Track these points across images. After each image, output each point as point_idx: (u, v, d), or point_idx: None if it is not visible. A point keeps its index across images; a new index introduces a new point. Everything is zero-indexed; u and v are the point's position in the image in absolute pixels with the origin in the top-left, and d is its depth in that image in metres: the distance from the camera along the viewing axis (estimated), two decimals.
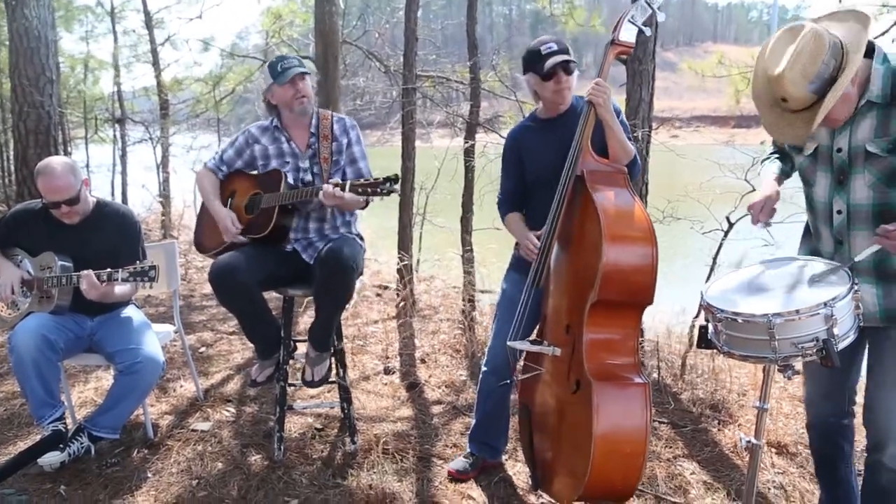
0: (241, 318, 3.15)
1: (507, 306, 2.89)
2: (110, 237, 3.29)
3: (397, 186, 2.81)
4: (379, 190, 2.77)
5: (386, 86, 8.88)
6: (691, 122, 59.36)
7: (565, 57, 2.69)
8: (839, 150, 2.09)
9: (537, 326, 2.81)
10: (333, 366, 3.29)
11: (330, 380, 3.25)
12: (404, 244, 5.85)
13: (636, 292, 2.40)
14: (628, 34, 2.63)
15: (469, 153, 5.05)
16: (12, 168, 10.04)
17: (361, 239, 3.34)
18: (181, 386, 4.13)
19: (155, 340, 3.26)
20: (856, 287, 1.93)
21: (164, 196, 10.33)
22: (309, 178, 3.20)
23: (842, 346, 1.88)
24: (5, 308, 3.34)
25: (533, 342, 2.62)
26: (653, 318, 4.93)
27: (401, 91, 5.75)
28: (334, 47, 7.91)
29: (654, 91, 4.10)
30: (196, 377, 3.97)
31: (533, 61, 2.75)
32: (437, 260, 7.28)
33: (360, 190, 2.79)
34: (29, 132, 8.56)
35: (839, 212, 2.14)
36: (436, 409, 3.83)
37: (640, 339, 4.20)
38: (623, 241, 2.38)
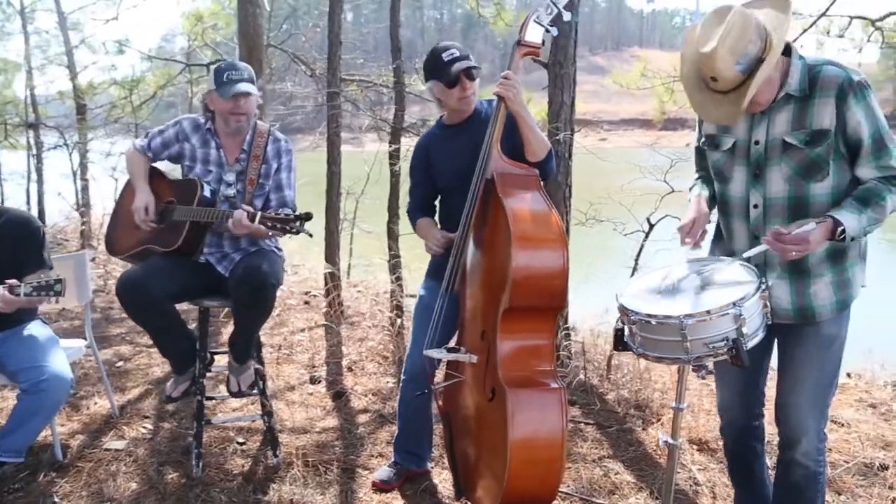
0: (153, 333, 3.03)
1: (423, 313, 2.86)
2: (10, 247, 3.10)
3: (307, 227, 2.73)
4: (289, 227, 2.69)
5: (314, 90, 8.74)
6: (619, 126, 60.92)
7: (468, 63, 2.69)
8: (756, 143, 2.13)
9: (456, 333, 2.79)
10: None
11: (254, 391, 3.16)
12: (331, 251, 5.77)
13: (548, 297, 2.39)
14: (534, 34, 2.63)
15: (394, 157, 5.01)
16: None
17: (279, 250, 3.25)
18: (95, 403, 3.95)
19: (62, 357, 3.09)
20: (763, 286, 1.97)
21: (84, 204, 9.93)
22: (232, 193, 3.09)
23: (750, 344, 1.92)
24: None
25: (450, 350, 2.59)
26: (579, 319, 5.00)
27: (325, 95, 5.67)
28: (258, 51, 7.73)
29: (575, 94, 4.14)
30: (111, 393, 3.80)
31: (436, 69, 2.73)
32: (366, 266, 7.21)
33: (268, 224, 2.70)
34: None
35: (755, 206, 2.17)
36: (362, 418, 3.77)
37: (567, 339, 4.24)
38: (532, 245, 2.37)
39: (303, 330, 5.42)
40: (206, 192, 3.03)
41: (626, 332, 2.07)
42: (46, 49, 11.63)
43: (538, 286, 2.37)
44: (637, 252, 4.18)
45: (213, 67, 3.15)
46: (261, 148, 3.12)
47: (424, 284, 3.00)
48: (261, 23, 7.79)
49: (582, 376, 4.19)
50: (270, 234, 2.75)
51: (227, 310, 5.21)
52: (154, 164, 3.24)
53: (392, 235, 5.31)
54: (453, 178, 2.78)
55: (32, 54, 12.02)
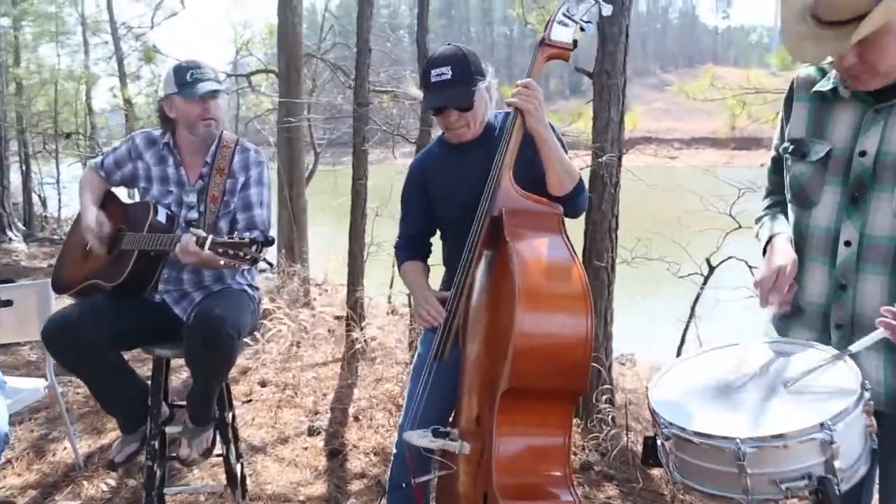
0: (89, 384, 2.53)
1: (415, 375, 2.28)
2: None
3: (267, 255, 2.19)
4: (242, 254, 2.14)
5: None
6: (691, 144, 59.09)
7: (456, 93, 2.08)
8: (862, 154, 1.52)
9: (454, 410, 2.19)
10: (218, 438, 2.67)
11: (215, 453, 2.63)
12: (354, 276, 5.25)
13: (562, 377, 1.76)
14: (562, 32, 2.03)
15: None
16: None
17: (254, 289, 2.72)
18: (64, 448, 3.50)
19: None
20: (867, 394, 1.31)
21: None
22: (194, 216, 2.58)
23: (847, 486, 1.27)
24: None
25: (437, 434, 1.98)
26: (621, 369, 4.33)
27: (352, 107, 5.18)
28: (297, 60, 7.38)
29: (624, 109, 3.51)
30: (73, 441, 3.34)
31: (423, 86, 2.17)
32: (399, 292, 6.67)
33: (219, 250, 2.16)
34: None
35: (847, 243, 1.55)
36: (356, 485, 3.20)
37: (605, 393, 3.58)
38: (544, 305, 1.76)
39: (316, 365, 4.90)
40: (160, 217, 2.52)
41: (659, 444, 1.44)
42: (101, 61, 11.62)
43: (549, 361, 1.74)
44: (693, 300, 3.49)
45: (171, 67, 2.65)
46: (226, 160, 2.61)
47: (424, 338, 2.42)
48: (300, 31, 7.44)
49: (623, 441, 3.52)
50: (222, 262, 2.19)
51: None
52: (113, 189, 2.77)
53: None
54: (455, 210, 2.19)
55: (94, 65, 12.10)
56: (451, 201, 2.20)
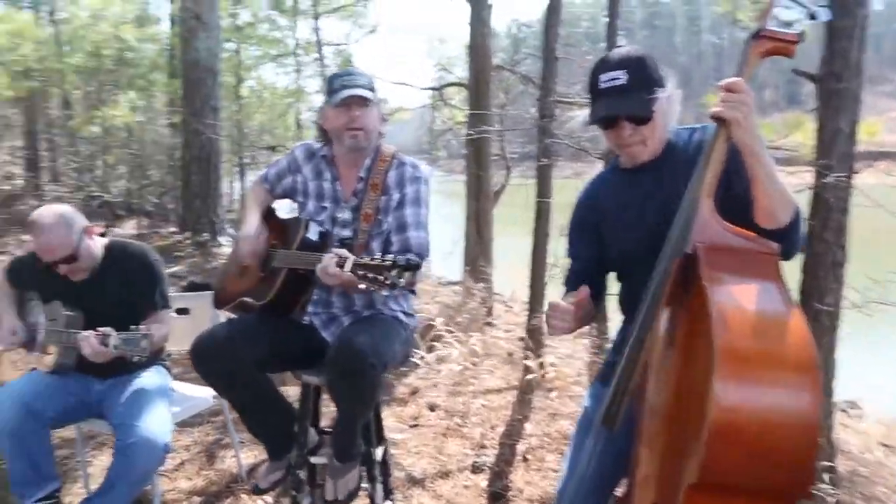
0: (237, 408, 2.43)
1: (580, 435, 1.92)
2: (124, 284, 2.74)
3: (410, 279, 1.94)
4: (383, 279, 1.91)
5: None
6: None
7: (631, 101, 1.70)
8: None
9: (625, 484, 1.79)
10: (365, 477, 2.47)
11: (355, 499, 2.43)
12: (535, 300, 4.92)
13: (774, 473, 1.30)
14: (786, 21, 1.57)
15: None
16: None
17: (409, 316, 2.49)
18: (231, 457, 3.51)
19: (162, 417, 2.62)
20: None
21: None
22: (348, 234, 2.42)
23: None
24: (14, 366, 2.90)
25: None
26: (844, 425, 3.60)
27: (537, 118, 4.87)
28: (486, 72, 7.22)
29: (857, 118, 2.87)
30: (238, 451, 3.33)
31: (592, 95, 1.80)
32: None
33: (358, 273, 1.94)
34: (192, 159, 8.73)
35: None
36: None
37: (830, 471, 2.94)
38: (753, 376, 1.31)
39: (490, 392, 4.63)
40: (311, 234, 2.38)
41: None
42: (310, 78, 12.35)
43: (757, 449, 1.29)
44: None
45: (327, 78, 2.52)
46: (380, 175, 2.41)
47: (592, 390, 2.05)
48: (489, 43, 7.28)
49: None
50: (363, 286, 1.98)
51: None
52: (274, 204, 2.70)
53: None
54: (631, 246, 1.82)
55: (304, 84, 12.91)
56: (626, 236, 1.82)
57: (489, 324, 6.45)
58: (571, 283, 1.97)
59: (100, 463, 3.47)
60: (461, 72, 10.53)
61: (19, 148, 13.47)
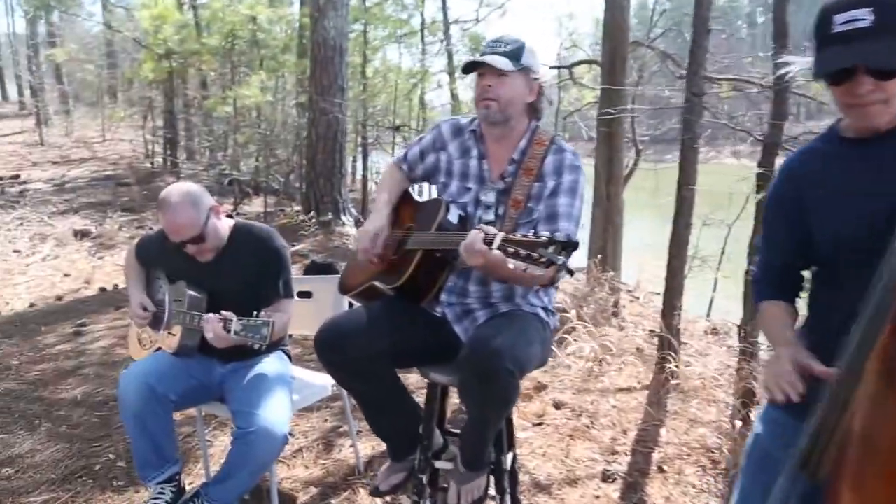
0: (360, 403, 2.27)
1: (758, 466, 1.61)
2: (248, 269, 2.65)
3: (567, 264, 1.67)
4: (538, 256, 1.65)
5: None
6: None
7: (879, 48, 1.31)
8: None
9: None
10: (492, 485, 2.26)
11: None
12: (672, 295, 4.53)
13: None
14: None
15: (763, 181, 3.56)
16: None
17: (550, 313, 2.24)
18: (349, 446, 3.40)
19: (282, 406, 2.52)
20: None
21: None
22: (490, 218, 2.19)
23: None
24: (140, 344, 2.88)
25: None
26: None
27: (686, 97, 4.45)
28: (623, 48, 6.78)
29: None
30: (356, 443, 3.20)
31: (819, 43, 1.40)
32: (724, 319, 5.75)
33: (509, 250, 1.70)
34: (318, 138, 8.79)
35: None
36: None
37: None
38: None
39: (619, 391, 4.31)
40: (452, 216, 2.18)
41: None
42: (434, 58, 12.22)
43: None
44: None
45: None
46: (537, 159, 2.16)
47: (765, 415, 1.70)
48: (627, 17, 6.83)
49: None
50: (511, 265, 1.72)
51: None
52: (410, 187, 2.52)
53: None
54: (851, 234, 1.44)
55: (430, 64, 12.81)
56: (845, 224, 1.45)
57: (616, 314, 6.09)
58: (774, 285, 1.65)
59: (220, 444, 3.46)
60: (589, 50, 10.10)
61: (159, 128, 14.19)
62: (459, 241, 1.90)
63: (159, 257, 2.80)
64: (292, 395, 2.69)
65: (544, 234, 1.68)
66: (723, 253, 6.10)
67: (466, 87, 11.41)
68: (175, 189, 2.56)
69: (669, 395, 4.09)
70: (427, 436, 2.24)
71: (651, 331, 5.64)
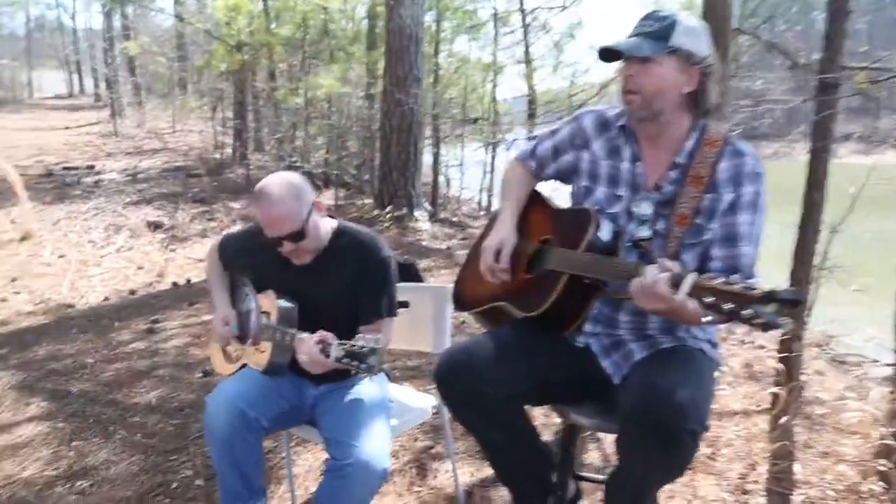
0: (484, 444, 1.94)
1: None
2: (348, 277, 2.34)
3: (786, 324, 1.30)
4: (749, 315, 1.28)
5: (791, 88, 7.04)
6: None
7: None
8: None
9: None
10: None
11: None
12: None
13: None
14: None
15: None
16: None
17: (714, 347, 1.86)
18: (445, 472, 3.08)
19: (382, 436, 2.20)
20: None
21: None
22: (645, 234, 1.83)
23: None
24: (226, 357, 2.59)
25: None
26: None
27: (816, 88, 3.95)
28: (724, 35, 6.21)
29: None
30: (455, 470, 2.86)
31: None
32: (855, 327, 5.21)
33: (707, 300, 1.33)
34: (392, 130, 8.52)
35: None
36: None
37: None
38: None
39: (737, 414, 3.87)
40: (603, 233, 1.81)
41: None
42: (506, 49, 11.81)
43: None
44: None
45: None
46: (707, 165, 1.78)
47: None
48: (729, 2, 6.29)
49: None
50: (706, 319, 1.36)
51: None
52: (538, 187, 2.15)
53: None
54: None
55: (504, 56, 12.42)
56: None
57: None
58: None
59: (303, 462, 3.19)
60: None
61: (229, 119, 14.17)
62: (625, 274, 1.54)
63: (246, 259, 2.51)
64: (391, 419, 2.38)
65: (757, 285, 1.31)
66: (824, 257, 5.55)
67: (541, 79, 11.01)
68: (275, 179, 2.26)
69: (797, 420, 3.63)
70: (562, 485, 1.90)
71: (761, 346, 5.15)
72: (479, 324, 2.24)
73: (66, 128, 19.79)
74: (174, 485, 3.02)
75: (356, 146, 11.11)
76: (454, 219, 9.81)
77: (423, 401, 2.67)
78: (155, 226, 8.73)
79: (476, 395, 1.75)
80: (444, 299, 2.74)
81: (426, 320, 2.74)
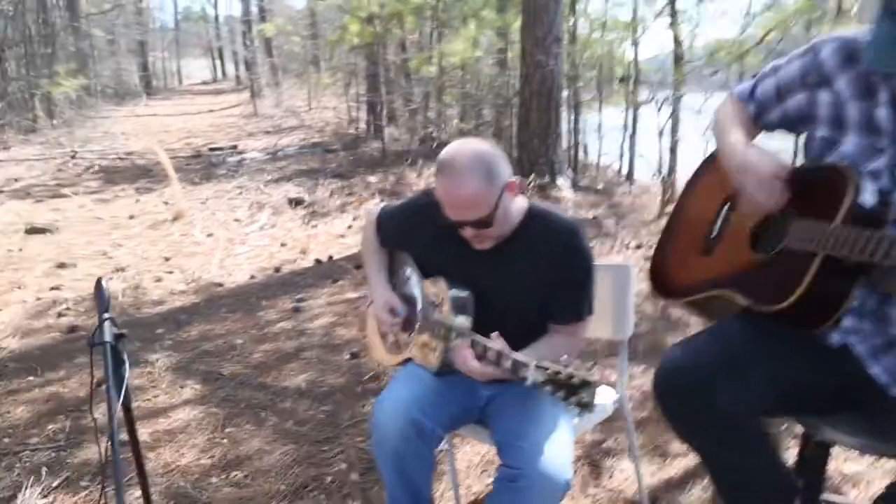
0: (709, 462, 1.54)
1: None
2: (538, 269, 1.95)
3: None
4: None
5: None
6: None
7: None
8: None
9: None
10: None
11: None
12: None
13: None
14: None
15: None
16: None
17: None
18: (621, 471, 2.71)
19: (563, 443, 1.85)
20: None
21: (670, 169, 8.98)
22: None
23: None
24: (392, 346, 2.29)
25: None
26: None
27: None
28: None
29: None
30: (638, 468, 2.47)
31: None
32: None
33: None
34: (532, 94, 8.07)
35: None
36: None
37: None
38: None
39: None
40: (866, 197, 1.35)
41: None
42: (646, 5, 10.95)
43: None
44: None
45: None
46: None
47: None
48: None
49: None
50: None
51: None
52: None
53: None
54: None
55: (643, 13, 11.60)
56: None
57: None
58: None
59: (463, 456, 2.91)
60: None
61: (361, 94, 14.20)
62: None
63: (409, 239, 2.20)
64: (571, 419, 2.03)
65: None
66: None
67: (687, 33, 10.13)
68: (465, 150, 1.86)
69: None
70: None
71: None
72: (694, 315, 1.83)
73: (211, 111, 20.75)
74: (329, 479, 2.83)
75: (490, 114, 10.73)
76: (598, 186, 9.27)
77: (604, 395, 2.30)
78: (296, 202, 8.79)
79: (709, 412, 1.36)
80: (627, 279, 2.35)
81: (605, 303, 2.34)
